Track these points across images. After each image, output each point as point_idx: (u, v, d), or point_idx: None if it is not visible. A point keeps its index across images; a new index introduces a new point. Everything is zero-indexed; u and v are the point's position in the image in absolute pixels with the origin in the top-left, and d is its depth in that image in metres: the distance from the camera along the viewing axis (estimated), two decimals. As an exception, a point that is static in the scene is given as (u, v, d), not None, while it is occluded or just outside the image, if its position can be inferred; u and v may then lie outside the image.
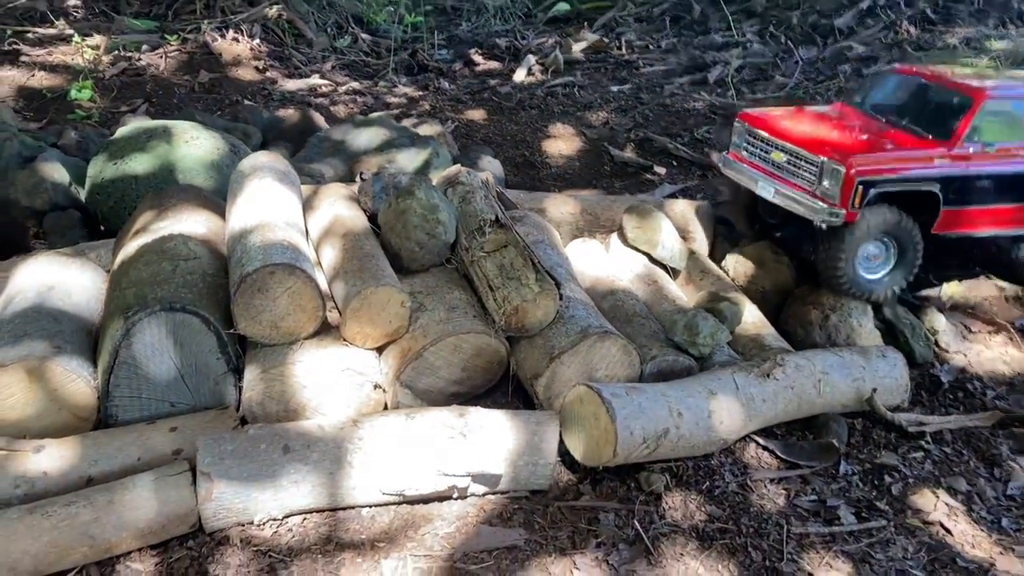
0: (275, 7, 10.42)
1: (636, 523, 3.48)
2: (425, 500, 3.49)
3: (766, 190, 4.92)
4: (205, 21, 9.62)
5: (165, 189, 4.69)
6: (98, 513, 3.11)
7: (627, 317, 4.37)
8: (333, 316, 3.94)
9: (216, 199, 4.57)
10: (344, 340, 3.80)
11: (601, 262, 4.96)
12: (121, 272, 3.83)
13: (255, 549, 3.24)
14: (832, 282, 4.70)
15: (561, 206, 5.47)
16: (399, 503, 3.49)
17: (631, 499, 3.63)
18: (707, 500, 3.66)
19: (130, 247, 3.97)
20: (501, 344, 3.93)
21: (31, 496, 3.22)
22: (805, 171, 4.70)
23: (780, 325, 4.68)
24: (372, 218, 4.45)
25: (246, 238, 3.80)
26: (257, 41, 9.70)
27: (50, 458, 3.32)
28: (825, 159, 4.58)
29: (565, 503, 3.59)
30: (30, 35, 8.64)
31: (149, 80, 8.16)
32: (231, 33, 9.60)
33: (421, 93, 9.42)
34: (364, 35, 11.36)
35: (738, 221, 5.57)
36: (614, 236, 5.27)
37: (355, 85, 9.36)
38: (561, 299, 3.95)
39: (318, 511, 3.41)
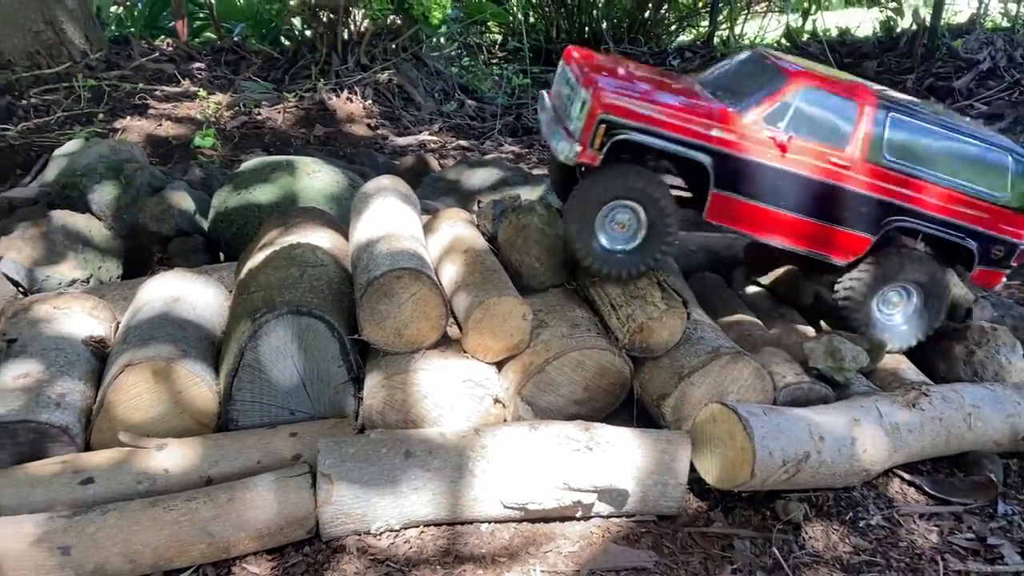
0: (386, 72, 10.80)
1: (775, 551, 3.23)
2: (547, 517, 3.32)
3: (556, 146, 3.94)
4: (320, 82, 9.99)
5: (288, 210, 4.76)
6: (218, 510, 3.05)
7: (755, 346, 4.16)
8: (452, 331, 3.87)
9: (338, 221, 4.60)
10: (465, 353, 3.71)
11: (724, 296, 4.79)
12: (249, 278, 3.85)
13: (372, 558, 3.12)
14: (568, 247, 3.93)
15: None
16: (519, 521, 3.33)
17: (767, 528, 3.38)
18: (851, 532, 3.39)
19: (257, 257, 4.00)
20: (625, 364, 3.78)
21: (152, 492, 3.19)
22: (575, 107, 3.91)
23: (919, 362, 4.38)
24: (491, 241, 4.40)
25: (372, 247, 3.78)
26: (369, 102, 10.01)
27: (172, 456, 3.30)
28: (584, 89, 3.82)
29: (696, 529, 3.37)
30: (158, 92, 9.09)
31: (267, 132, 8.45)
32: (345, 94, 9.94)
33: (527, 151, 9.50)
34: (469, 101, 11.63)
35: (553, 185, 4.77)
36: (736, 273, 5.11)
37: (462, 143, 9.52)
38: (688, 318, 3.79)
39: (436, 524, 3.28)
